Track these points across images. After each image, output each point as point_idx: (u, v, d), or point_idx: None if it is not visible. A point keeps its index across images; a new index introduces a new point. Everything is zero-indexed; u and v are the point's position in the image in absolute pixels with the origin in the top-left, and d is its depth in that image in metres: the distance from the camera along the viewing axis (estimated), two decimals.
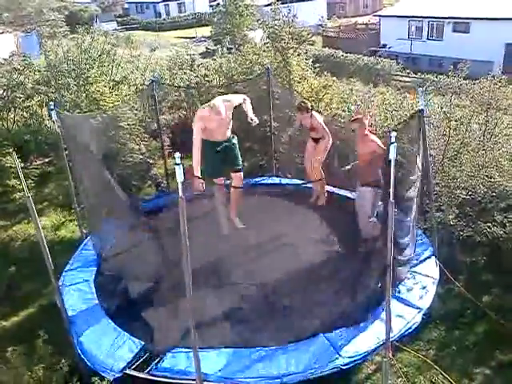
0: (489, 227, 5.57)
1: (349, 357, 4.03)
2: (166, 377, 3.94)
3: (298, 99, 7.10)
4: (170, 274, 5.05)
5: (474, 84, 6.92)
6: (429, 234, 5.58)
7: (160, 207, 6.64)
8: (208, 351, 4.03)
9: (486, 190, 5.86)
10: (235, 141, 5.63)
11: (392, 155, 3.40)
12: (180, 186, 3.11)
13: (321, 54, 20.85)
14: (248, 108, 5.57)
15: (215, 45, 21.62)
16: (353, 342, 4.16)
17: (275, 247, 5.55)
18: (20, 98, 8.57)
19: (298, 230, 5.83)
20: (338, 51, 21.72)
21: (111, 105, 7.64)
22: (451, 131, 6.31)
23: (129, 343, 4.27)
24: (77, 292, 5.02)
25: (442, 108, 6.68)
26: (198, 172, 5.09)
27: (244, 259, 5.37)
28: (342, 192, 6.74)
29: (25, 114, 8.97)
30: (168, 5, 45.83)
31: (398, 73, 19.32)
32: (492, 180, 5.94)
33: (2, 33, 23.80)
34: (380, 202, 5.37)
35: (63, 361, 4.10)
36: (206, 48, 23.43)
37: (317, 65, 9.58)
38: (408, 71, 18.51)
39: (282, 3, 10.49)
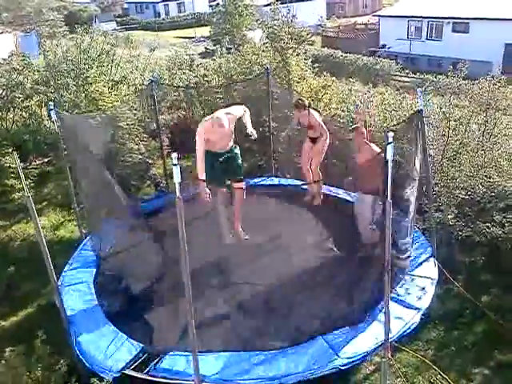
0: (488, 227, 5.57)
1: (347, 357, 4.01)
2: (164, 377, 3.92)
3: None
4: (168, 274, 5.05)
5: (474, 84, 6.92)
6: (428, 234, 5.58)
7: (159, 207, 6.63)
8: (206, 355, 4.01)
9: (485, 190, 5.86)
10: (237, 150, 5.58)
11: (389, 155, 3.40)
12: (177, 186, 3.10)
13: (320, 54, 20.81)
14: (247, 120, 5.55)
15: (214, 45, 21.63)
16: (352, 342, 4.14)
17: (274, 249, 5.53)
18: (19, 97, 8.55)
19: (296, 232, 5.83)
20: (338, 51, 21.69)
21: (110, 105, 7.64)
22: (450, 131, 6.32)
23: (127, 344, 4.25)
24: (76, 292, 5.01)
25: (441, 108, 6.69)
26: (204, 186, 5.11)
27: (243, 260, 5.37)
28: (342, 195, 6.73)
29: (24, 113, 8.97)
30: (167, 5, 45.85)
31: (397, 73, 19.32)
32: (491, 180, 5.95)
33: (2, 33, 23.77)
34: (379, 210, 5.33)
35: (62, 361, 4.09)
36: (206, 48, 23.41)
37: (316, 65, 9.60)
38: (407, 71, 18.48)
39: (282, 3, 10.50)
